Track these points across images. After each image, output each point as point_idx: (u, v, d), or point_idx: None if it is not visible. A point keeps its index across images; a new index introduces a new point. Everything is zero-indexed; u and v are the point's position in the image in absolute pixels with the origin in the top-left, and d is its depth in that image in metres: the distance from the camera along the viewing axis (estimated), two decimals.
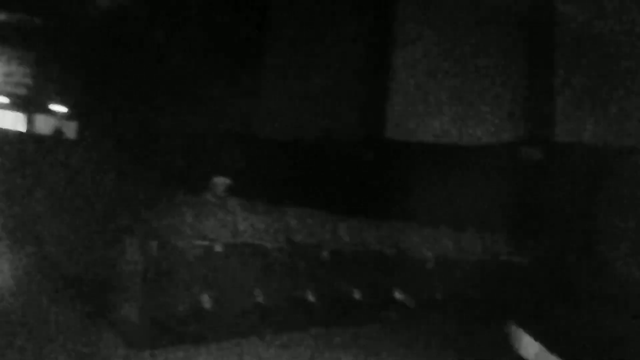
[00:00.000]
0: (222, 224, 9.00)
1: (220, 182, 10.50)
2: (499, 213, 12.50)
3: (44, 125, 24.30)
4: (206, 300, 8.36)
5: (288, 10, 18.21)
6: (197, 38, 19.27)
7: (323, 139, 15.37)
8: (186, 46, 19.38)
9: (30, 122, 24.57)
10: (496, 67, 13.87)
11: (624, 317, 10.32)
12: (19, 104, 24.55)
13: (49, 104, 24.62)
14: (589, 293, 11.07)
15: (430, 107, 14.32)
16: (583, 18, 13.31)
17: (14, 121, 24.31)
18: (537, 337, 10.09)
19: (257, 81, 18.44)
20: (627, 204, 12.35)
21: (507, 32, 13.99)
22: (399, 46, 14.60)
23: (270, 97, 17.95)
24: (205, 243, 8.48)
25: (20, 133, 23.43)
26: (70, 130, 24.24)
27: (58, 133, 23.04)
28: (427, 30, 14.86)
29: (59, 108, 24.88)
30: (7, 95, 24.33)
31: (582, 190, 12.79)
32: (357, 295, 9.93)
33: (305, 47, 17.16)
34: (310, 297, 9.33)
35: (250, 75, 18.56)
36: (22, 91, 24.50)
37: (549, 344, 9.83)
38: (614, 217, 12.46)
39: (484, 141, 13.65)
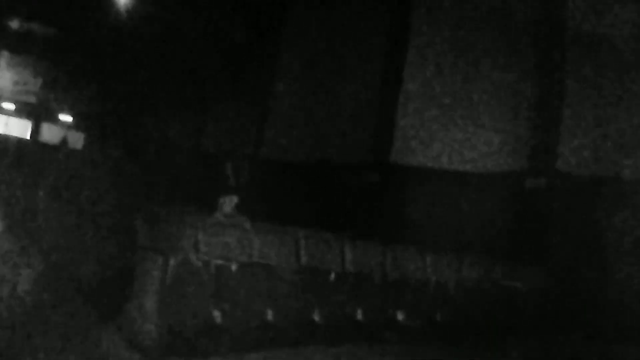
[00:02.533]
0: (233, 242, 9.32)
1: (228, 200, 10.81)
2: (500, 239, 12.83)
3: (50, 133, 24.56)
4: (217, 316, 8.66)
5: (301, 32, 18.55)
6: (209, 56, 19.59)
7: (331, 162, 15.69)
8: (197, 64, 19.72)
9: (37, 130, 24.82)
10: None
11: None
12: (27, 111, 24.83)
13: (57, 113, 24.94)
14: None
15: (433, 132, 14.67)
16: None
17: (21, 129, 24.56)
18: None
19: (267, 103, 18.78)
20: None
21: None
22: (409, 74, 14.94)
23: (279, 120, 18.27)
24: (221, 262, 8.80)
25: (26, 140, 23.70)
26: (76, 140, 24.52)
27: (64, 142, 23.30)
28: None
29: (66, 118, 25.18)
30: (16, 102, 24.60)
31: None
32: (360, 316, 10.22)
33: (316, 70, 17.49)
34: (316, 317, 9.63)
35: (260, 97, 18.89)
36: (31, 99, 24.75)
37: None
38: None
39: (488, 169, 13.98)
